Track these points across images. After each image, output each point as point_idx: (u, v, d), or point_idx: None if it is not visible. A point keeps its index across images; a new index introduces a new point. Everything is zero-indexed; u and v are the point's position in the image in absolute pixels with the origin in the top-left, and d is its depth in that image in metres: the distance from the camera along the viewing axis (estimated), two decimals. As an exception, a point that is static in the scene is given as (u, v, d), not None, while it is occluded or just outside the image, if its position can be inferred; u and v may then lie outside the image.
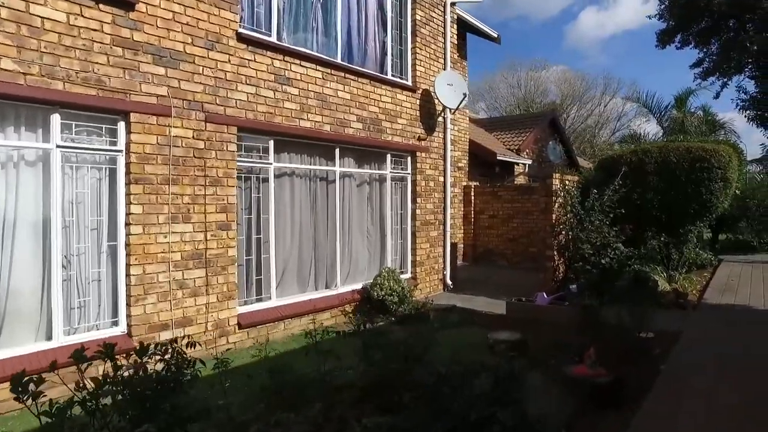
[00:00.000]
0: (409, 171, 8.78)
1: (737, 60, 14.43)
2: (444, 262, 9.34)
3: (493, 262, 12.76)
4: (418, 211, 8.76)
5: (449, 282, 9.34)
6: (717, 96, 16.17)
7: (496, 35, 13.37)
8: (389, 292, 7.37)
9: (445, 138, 9.32)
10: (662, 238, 8.47)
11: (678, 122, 14.36)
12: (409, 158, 8.75)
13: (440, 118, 9.25)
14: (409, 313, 7.39)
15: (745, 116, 15.48)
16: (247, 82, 6.17)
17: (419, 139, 8.77)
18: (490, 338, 5.61)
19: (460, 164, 12.74)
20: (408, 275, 8.77)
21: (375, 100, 7.94)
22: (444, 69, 9.25)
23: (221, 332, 5.88)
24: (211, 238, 5.79)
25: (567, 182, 8.62)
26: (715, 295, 8.35)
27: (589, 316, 6.20)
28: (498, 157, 13.55)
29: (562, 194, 8.47)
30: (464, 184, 13.22)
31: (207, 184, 5.73)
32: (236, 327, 6.05)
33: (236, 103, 6.04)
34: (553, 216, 8.44)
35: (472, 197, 13.17)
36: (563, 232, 8.40)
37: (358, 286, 7.73)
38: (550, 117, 17.42)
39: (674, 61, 52.60)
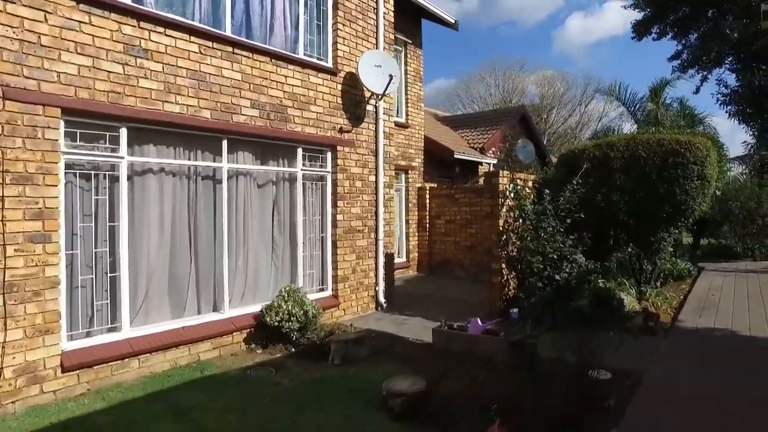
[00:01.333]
0: (329, 169, 7.26)
1: (717, 51, 13.10)
2: (376, 276, 7.81)
3: (450, 273, 11.26)
4: (340, 217, 7.25)
5: (383, 300, 7.82)
6: (697, 91, 14.87)
7: (453, 21, 11.95)
8: (286, 317, 5.83)
9: (376, 130, 7.82)
10: (630, 249, 7.00)
11: (652, 115, 12.97)
12: (328, 154, 7.24)
13: (370, 107, 7.75)
14: (314, 343, 5.87)
15: (726, 112, 14.18)
16: (79, 50, 4.64)
17: (341, 131, 7.26)
18: (384, 388, 4.09)
19: (405, 162, 11.28)
20: (327, 293, 7.24)
21: (278, 82, 6.43)
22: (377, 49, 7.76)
23: (31, 379, 4.32)
24: (15, 254, 4.24)
25: (519, 181, 7.13)
26: (692, 315, 6.87)
27: (522, 352, 4.71)
28: (456, 156, 12.08)
29: (511, 196, 6.99)
30: (418, 185, 11.75)
31: (7, 182, 4.19)
32: (58, 370, 4.49)
33: (59, 77, 4.51)
34: (500, 222, 6.95)
35: (427, 200, 11.69)
36: (513, 241, 6.91)
37: (257, 308, 6.19)
38: (520, 114, 15.98)
39: (659, 68, 51.47)
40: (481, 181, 12.89)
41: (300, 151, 6.87)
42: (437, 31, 55.52)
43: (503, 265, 6.97)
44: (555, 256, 6.50)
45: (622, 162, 7.37)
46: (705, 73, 14.27)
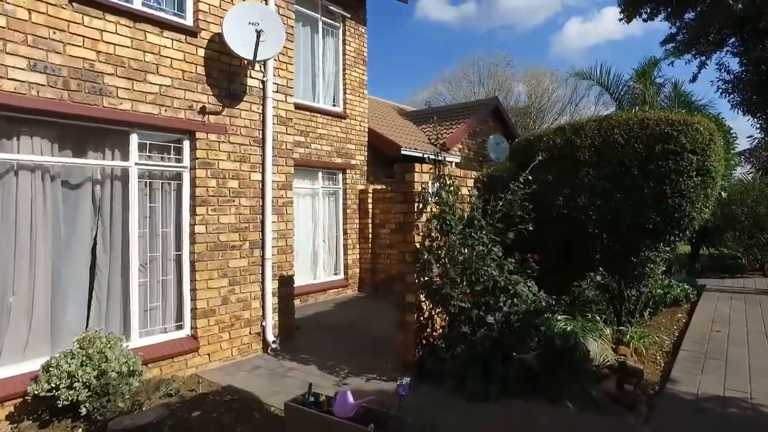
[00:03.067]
0: (186, 164, 5.17)
1: (718, 29, 10.97)
2: (263, 307, 5.70)
3: (395, 294, 9.10)
4: (200, 229, 5.15)
5: (271, 338, 5.70)
6: (694, 79, 12.69)
7: (401, -8, 9.85)
8: (65, 383, 3.74)
9: (264, 113, 5.72)
10: (600, 275, 4.86)
11: (640, 99, 10.83)
12: (186, 143, 5.15)
13: (253, 82, 5.66)
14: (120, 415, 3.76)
15: (729, 102, 12.04)
16: None
17: (204, 111, 5.17)
18: None
19: (342, 159, 9.18)
20: (183, 333, 5.13)
21: (86, 37, 4.34)
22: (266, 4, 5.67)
23: None
24: None
25: (448, 179, 4.99)
26: (690, 370, 4.73)
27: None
28: (402, 152, 9.95)
29: (433, 200, 4.87)
30: (360, 187, 9.64)
31: None
32: None
33: None
34: (416, 237, 4.82)
35: (370, 205, 9.57)
36: (434, 264, 4.78)
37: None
38: (492, 106, 13.82)
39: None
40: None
41: (135, 139, 4.78)
42: (435, 35, 53.61)
43: (422, 298, 4.84)
44: (488, 286, 4.37)
45: (592, 152, 5.25)
46: (703, 58, 12.15)
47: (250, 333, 5.61)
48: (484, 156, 12.92)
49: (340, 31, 9.47)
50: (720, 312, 6.98)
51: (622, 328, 5.51)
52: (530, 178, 4.83)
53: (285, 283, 6.02)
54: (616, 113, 7.02)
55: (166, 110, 4.88)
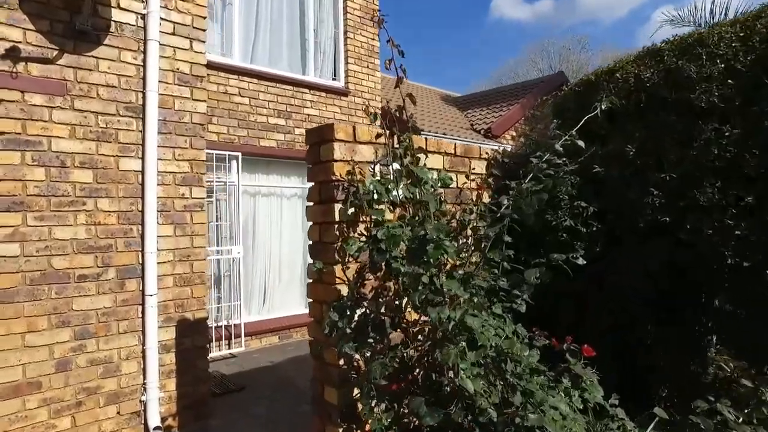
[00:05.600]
0: (-12, 142, 3.11)
1: None
2: (144, 370, 3.51)
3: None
4: (8, 250, 3.05)
5: (155, 422, 3.48)
6: None
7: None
8: None
9: (145, 65, 3.54)
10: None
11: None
12: (-10, 109, 3.10)
13: (122, 15, 3.49)
14: None
15: None
16: None
17: (15, 57, 3.09)
18: None
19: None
20: (-20, 424, 3.06)
21: None
22: None
23: None
24: None
25: (408, 153, 2.48)
26: None
27: None
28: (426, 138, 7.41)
29: (372, 197, 2.40)
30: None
31: None
32: None
33: None
34: (338, 272, 2.36)
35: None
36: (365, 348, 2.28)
37: None
38: (557, 83, 10.71)
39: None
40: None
41: None
42: (509, 35, 49.79)
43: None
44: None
45: (730, 89, 2.48)
46: None
47: (118, 414, 3.44)
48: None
49: (340, -18, 7.18)
50: None
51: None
52: (581, 144, 2.20)
53: (190, 330, 3.80)
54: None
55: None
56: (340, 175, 2.36)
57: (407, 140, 2.44)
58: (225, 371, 5.22)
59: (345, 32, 7.15)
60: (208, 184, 5.66)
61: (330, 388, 2.39)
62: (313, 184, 2.52)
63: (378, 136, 2.49)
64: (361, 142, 2.48)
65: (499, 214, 2.09)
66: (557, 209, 3.02)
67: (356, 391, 2.34)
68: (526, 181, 2.16)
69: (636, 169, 2.65)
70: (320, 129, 2.46)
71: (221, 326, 5.74)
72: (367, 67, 7.40)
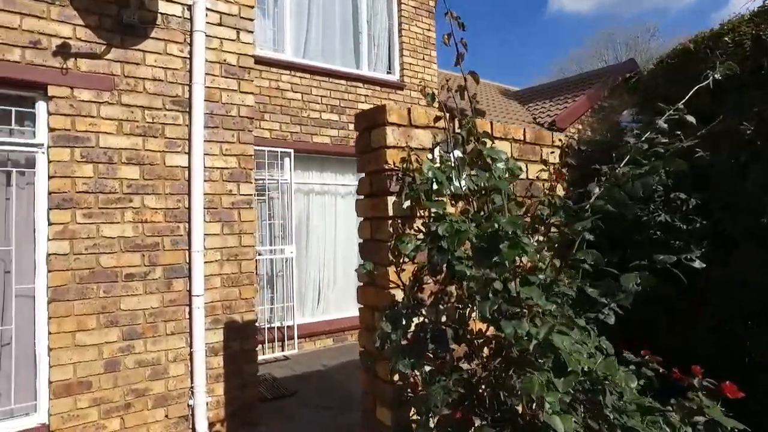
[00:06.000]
0: (40, 140, 3.04)
1: None
2: (192, 373, 3.36)
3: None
4: (60, 247, 2.98)
5: (204, 428, 3.33)
6: None
7: None
8: None
9: (191, 58, 3.40)
10: None
11: None
12: (40, 105, 3.04)
13: (168, 7, 3.36)
14: None
15: None
16: None
17: (65, 53, 3.02)
18: None
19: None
20: (37, 420, 3.00)
21: None
22: None
23: None
24: None
25: (474, 138, 2.13)
26: None
27: None
28: (481, 131, 6.95)
29: (430, 187, 2.06)
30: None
31: None
32: None
33: None
34: (392, 275, 2.04)
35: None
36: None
37: None
38: (626, 72, 9.88)
39: None
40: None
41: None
42: (573, 28, 47.68)
43: None
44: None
45: None
46: None
47: (166, 417, 3.32)
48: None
49: (394, -28, 6.88)
50: None
51: None
52: (691, 119, 1.76)
53: (239, 333, 3.63)
54: None
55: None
56: (394, 164, 2.05)
57: (470, 123, 2.10)
58: (277, 374, 5.07)
59: (399, 24, 6.85)
60: (260, 182, 5.55)
61: (383, 408, 2.08)
62: (363, 175, 2.22)
63: (437, 119, 2.16)
64: (417, 126, 2.16)
65: (587, 206, 1.69)
66: (649, 202, 2.56)
67: (412, 410, 2.03)
68: (621, 164, 1.75)
69: (754, 151, 2.15)
70: (371, 112, 2.16)
71: (274, 327, 5.61)
72: (423, 59, 7.06)
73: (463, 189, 1.95)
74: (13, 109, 2.99)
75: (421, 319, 1.88)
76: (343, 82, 6.27)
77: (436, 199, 1.84)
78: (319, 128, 6.02)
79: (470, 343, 1.90)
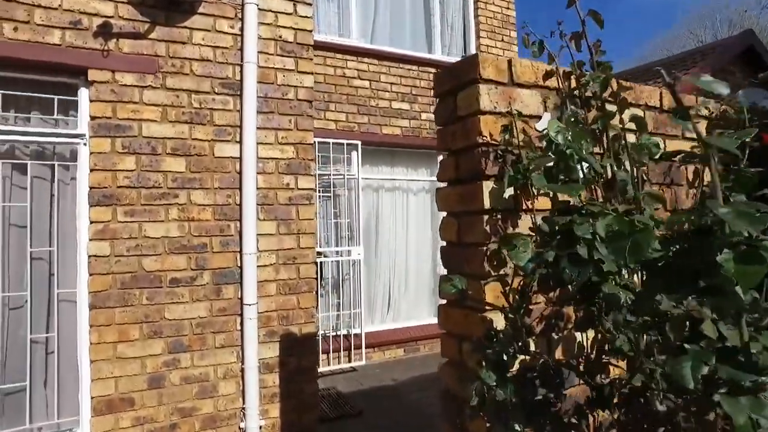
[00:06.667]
0: (81, 129, 2.74)
1: None
2: (243, 392, 2.93)
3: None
4: (99, 248, 2.66)
5: (256, 458, 2.89)
6: None
7: None
8: None
9: (242, 34, 2.98)
10: None
11: None
12: (82, 93, 2.74)
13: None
14: None
15: None
16: None
17: (106, 33, 2.70)
18: None
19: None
20: (74, 443, 2.71)
21: None
22: None
23: None
24: None
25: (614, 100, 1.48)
26: None
27: None
28: (573, 116, 6.03)
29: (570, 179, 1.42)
30: (504, 178, 6.13)
31: None
32: None
33: None
34: (494, 290, 1.43)
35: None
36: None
37: None
38: (741, 46, 8.19)
39: None
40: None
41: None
42: (658, 12, 43.58)
43: None
44: None
45: None
46: None
47: (214, 439, 2.93)
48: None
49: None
50: None
51: None
52: None
53: (297, 347, 3.16)
54: None
55: (26, 31, 2.57)
56: (491, 137, 1.44)
57: (599, 78, 1.44)
58: (342, 387, 4.60)
59: (475, 2, 6.14)
60: (325, 177, 5.12)
61: None
62: (446, 154, 1.62)
63: (547, 75, 1.53)
64: (521, 85, 1.51)
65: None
66: None
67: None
68: None
69: None
70: (457, 66, 1.53)
71: (340, 336, 5.15)
72: (502, 40, 6.29)
73: (595, 170, 1.31)
74: (56, 97, 2.72)
75: (529, 356, 1.26)
76: (414, 67, 5.68)
77: (567, 182, 1.20)
78: (388, 118, 5.49)
79: (599, 388, 1.24)
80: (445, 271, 1.60)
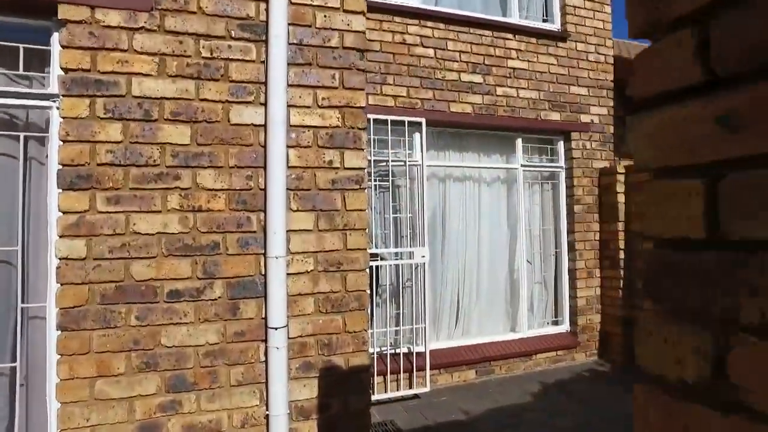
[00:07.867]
0: (56, 88, 2.02)
1: None
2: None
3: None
4: (68, 257, 1.92)
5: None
6: None
7: None
8: None
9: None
10: None
11: None
12: (55, 37, 2.02)
13: None
14: None
15: None
16: None
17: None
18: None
19: (561, 115, 5.05)
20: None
21: None
22: None
23: None
24: None
25: None
26: None
27: None
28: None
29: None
30: (600, 165, 5.15)
31: None
32: None
33: None
34: None
35: (621, 198, 4.96)
36: None
37: None
38: None
39: None
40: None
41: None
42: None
43: None
44: None
45: None
46: None
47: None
48: None
49: None
50: None
51: None
52: None
53: (342, 385, 2.29)
54: None
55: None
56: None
57: None
58: (401, 421, 3.68)
59: (562, -48, 5.03)
60: (383, 164, 4.24)
61: None
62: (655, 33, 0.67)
63: None
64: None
65: None
66: None
67: None
68: None
69: None
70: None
71: (400, 355, 4.25)
72: (592, 5, 5.13)
73: None
74: (21, 46, 2.03)
75: None
76: (487, 33, 4.66)
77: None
78: (458, 93, 4.51)
79: None
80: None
